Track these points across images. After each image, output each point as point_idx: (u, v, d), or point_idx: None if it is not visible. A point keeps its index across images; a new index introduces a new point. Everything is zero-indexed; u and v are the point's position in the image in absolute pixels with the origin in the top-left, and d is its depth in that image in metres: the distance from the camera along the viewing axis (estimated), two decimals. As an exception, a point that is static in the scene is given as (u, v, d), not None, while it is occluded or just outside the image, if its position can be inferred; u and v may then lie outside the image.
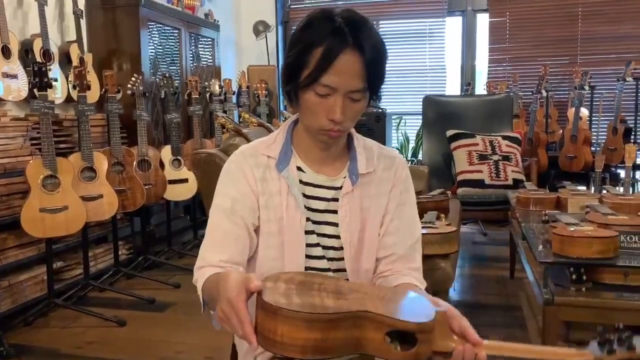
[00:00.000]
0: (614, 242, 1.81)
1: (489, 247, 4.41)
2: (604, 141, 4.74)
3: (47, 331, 2.80)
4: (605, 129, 4.76)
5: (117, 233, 3.50)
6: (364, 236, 1.18)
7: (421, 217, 2.48)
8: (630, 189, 3.60)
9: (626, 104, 4.75)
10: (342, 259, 1.17)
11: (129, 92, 3.56)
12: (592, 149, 4.71)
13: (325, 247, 1.17)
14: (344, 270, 1.17)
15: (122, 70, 3.91)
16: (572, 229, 1.91)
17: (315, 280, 0.92)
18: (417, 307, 0.89)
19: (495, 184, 3.79)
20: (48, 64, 3.14)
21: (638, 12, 5.14)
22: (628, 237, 1.87)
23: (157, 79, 4.14)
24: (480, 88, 5.53)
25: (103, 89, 3.44)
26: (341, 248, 1.17)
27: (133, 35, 3.93)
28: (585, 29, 5.31)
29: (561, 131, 4.98)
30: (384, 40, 1.09)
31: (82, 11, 3.68)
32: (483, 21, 5.69)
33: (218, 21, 5.18)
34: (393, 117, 5.55)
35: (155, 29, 4.22)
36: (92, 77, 3.53)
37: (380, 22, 5.88)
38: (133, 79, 3.57)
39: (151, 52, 4.14)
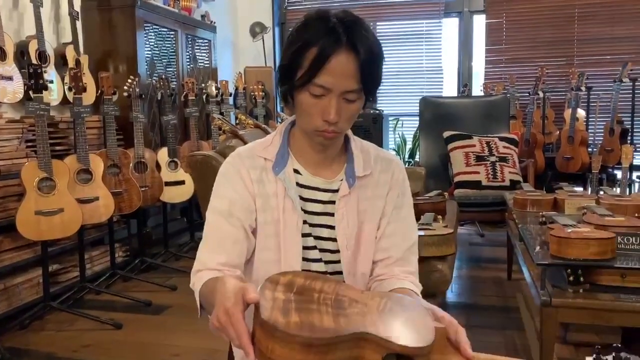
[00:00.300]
0: (611, 244, 1.81)
1: (486, 249, 4.41)
2: (600, 142, 4.74)
3: (42, 334, 2.79)
4: (602, 130, 4.76)
5: (113, 235, 3.49)
6: (360, 239, 1.17)
7: (418, 218, 2.49)
8: (627, 190, 3.60)
9: (623, 105, 4.75)
10: (338, 261, 1.17)
11: (125, 93, 3.56)
12: (589, 150, 4.71)
13: (322, 250, 1.17)
14: (341, 272, 1.17)
15: (118, 72, 3.90)
16: (569, 230, 1.91)
17: (315, 285, 0.92)
18: (417, 324, 0.90)
19: (493, 185, 3.78)
20: (44, 65, 3.13)
21: (634, 14, 5.16)
22: (625, 239, 1.87)
23: (154, 81, 4.13)
24: (477, 89, 5.53)
25: (99, 91, 3.44)
26: (338, 251, 1.16)
27: (129, 36, 3.93)
28: (582, 31, 5.32)
29: (558, 132, 4.99)
30: (381, 41, 1.09)
31: (77, 13, 3.67)
32: (480, 22, 5.70)
33: (215, 23, 5.17)
34: (390, 118, 5.55)
35: (152, 31, 4.21)
36: (88, 79, 3.52)
37: (377, 23, 5.88)
38: (129, 80, 3.57)
39: (147, 54, 4.13)
